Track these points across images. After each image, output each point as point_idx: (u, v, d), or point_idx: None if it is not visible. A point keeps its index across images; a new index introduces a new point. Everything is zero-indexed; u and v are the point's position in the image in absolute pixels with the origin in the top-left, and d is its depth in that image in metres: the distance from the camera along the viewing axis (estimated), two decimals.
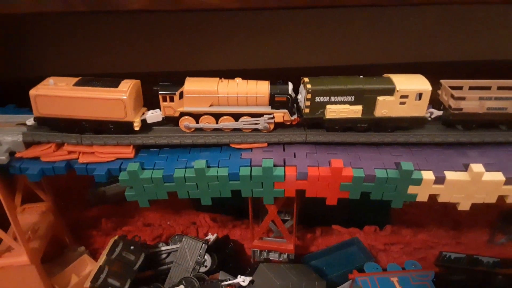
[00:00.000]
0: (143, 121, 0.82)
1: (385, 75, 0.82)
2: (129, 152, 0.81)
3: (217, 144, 0.84)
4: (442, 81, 0.86)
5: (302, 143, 0.83)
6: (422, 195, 0.78)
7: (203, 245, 0.95)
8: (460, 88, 0.84)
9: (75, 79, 0.81)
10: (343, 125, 0.81)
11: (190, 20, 1.31)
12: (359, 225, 1.15)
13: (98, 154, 0.80)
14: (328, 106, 0.79)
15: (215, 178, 0.78)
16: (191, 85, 0.80)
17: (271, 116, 0.80)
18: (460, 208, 0.80)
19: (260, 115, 0.80)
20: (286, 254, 0.97)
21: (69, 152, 0.80)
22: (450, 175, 0.76)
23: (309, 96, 0.78)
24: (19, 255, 0.90)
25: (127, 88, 0.78)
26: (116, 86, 0.79)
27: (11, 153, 0.79)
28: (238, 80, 0.81)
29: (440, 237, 1.14)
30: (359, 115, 0.80)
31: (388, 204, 0.80)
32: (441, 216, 1.19)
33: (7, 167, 0.80)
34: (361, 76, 0.81)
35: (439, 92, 0.87)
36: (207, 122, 0.81)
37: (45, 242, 0.99)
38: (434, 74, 0.87)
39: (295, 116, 0.82)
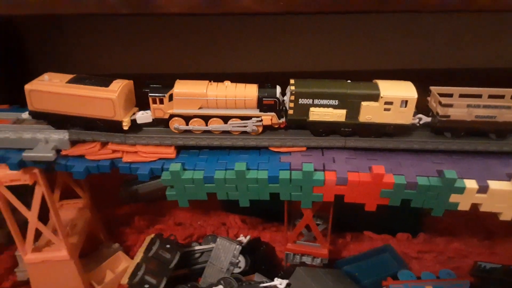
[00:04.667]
0: (133, 121, 0.83)
1: (374, 80, 0.82)
2: (170, 152, 0.83)
3: (256, 147, 0.84)
4: (431, 87, 0.85)
5: (341, 148, 0.83)
6: (464, 204, 0.77)
7: (237, 246, 0.96)
8: (451, 95, 0.83)
9: (70, 76, 0.83)
10: (327, 128, 0.81)
11: (204, 24, 1.34)
12: (391, 232, 1.14)
13: (141, 153, 0.82)
14: (312, 109, 0.80)
15: (255, 181, 0.79)
16: (181, 87, 0.81)
17: (259, 119, 0.81)
18: (502, 218, 0.79)
19: (249, 117, 0.81)
20: (320, 258, 0.97)
21: (113, 151, 0.82)
22: (493, 184, 0.75)
23: (292, 97, 0.79)
24: (59, 250, 0.93)
25: (117, 88, 0.79)
26: (107, 86, 0.80)
27: (57, 151, 0.81)
28: (227, 83, 0.82)
29: (474, 247, 1.12)
30: (342, 119, 0.80)
31: (420, 211, 0.79)
32: (475, 225, 1.17)
33: (52, 164, 0.82)
34: (349, 81, 0.81)
35: (429, 98, 0.86)
36: (196, 124, 0.82)
37: (83, 238, 1.02)
38: (435, 81, 0.88)
39: (283, 119, 0.83)
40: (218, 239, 0.98)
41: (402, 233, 1.12)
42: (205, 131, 0.83)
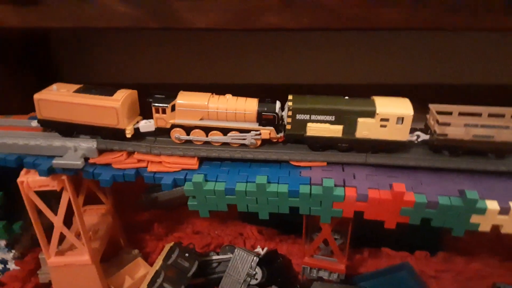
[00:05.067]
0: (136, 130, 0.85)
1: (372, 97, 0.82)
2: (193, 163, 0.85)
3: (277, 161, 0.86)
4: (430, 105, 0.85)
5: (362, 164, 0.83)
6: (485, 225, 0.77)
7: (255, 257, 0.97)
8: (450, 113, 0.83)
9: (77, 86, 0.86)
10: (324, 143, 0.83)
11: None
12: (409, 249, 1.13)
13: (165, 163, 0.84)
14: (309, 124, 0.81)
15: (275, 194, 0.80)
16: (183, 98, 0.83)
17: (258, 132, 0.83)
18: None
19: (248, 131, 0.83)
20: (337, 273, 0.97)
21: (139, 161, 0.85)
22: None
23: (290, 113, 0.81)
24: (81, 254, 0.96)
25: (120, 97, 0.82)
26: (111, 95, 0.83)
27: (85, 159, 0.84)
28: (228, 96, 0.84)
29: (493, 267, 1.11)
30: (339, 135, 0.81)
31: (439, 229, 0.79)
32: (495, 245, 1.16)
33: (78, 171, 0.85)
34: (346, 97, 0.82)
35: (428, 116, 0.86)
36: (197, 135, 0.84)
37: (104, 243, 1.04)
38: (440, 96, 0.88)
39: (281, 134, 0.85)
40: (236, 250, 1.00)
41: (421, 251, 1.11)
42: (224, 143, 0.85)
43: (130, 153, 0.86)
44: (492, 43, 1.31)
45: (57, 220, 0.90)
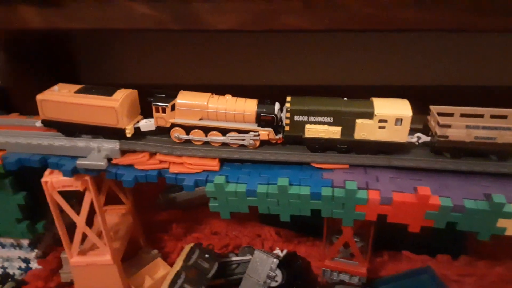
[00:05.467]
0: (137, 129, 0.86)
1: (371, 98, 0.82)
2: (215, 164, 0.85)
3: (298, 162, 0.85)
4: (431, 106, 0.85)
5: (385, 166, 0.82)
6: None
7: (275, 260, 0.97)
8: (451, 114, 0.82)
9: (78, 87, 0.87)
10: (322, 144, 0.82)
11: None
12: (430, 253, 1.11)
13: (187, 165, 0.84)
14: (307, 126, 0.81)
15: (297, 197, 0.80)
16: (183, 98, 0.84)
17: (257, 133, 0.83)
18: None
19: (247, 131, 0.83)
20: (357, 277, 0.96)
21: (161, 162, 0.85)
22: None
23: (288, 114, 0.81)
24: (103, 254, 0.97)
25: (120, 97, 0.83)
26: (111, 95, 0.83)
27: (109, 160, 0.85)
28: (228, 96, 0.85)
29: None
30: (338, 136, 0.81)
31: (461, 233, 0.78)
32: None
33: (101, 172, 0.86)
34: (345, 99, 0.82)
35: (428, 117, 0.85)
36: (196, 135, 0.85)
37: (125, 243, 1.05)
38: (442, 98, 0.87)
39: (280, 135, 0.85)
40: (255, 252, 0.99)
41: (443, 255, 1.09)
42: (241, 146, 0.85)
43: (152, 154, 0.86)
44: (494, 44, 1.29)
45: (80, 220, 0.91)
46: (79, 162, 0.82)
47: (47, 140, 0.85)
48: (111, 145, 0.85)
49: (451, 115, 0.82)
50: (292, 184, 0.80)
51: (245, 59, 1.44)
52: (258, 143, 0.85)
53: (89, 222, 0.97)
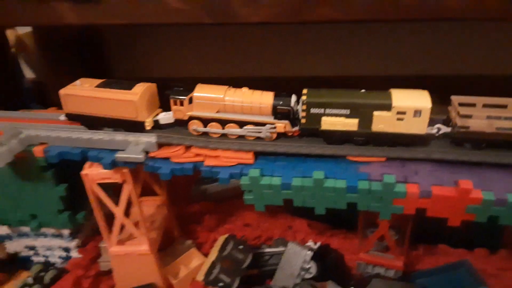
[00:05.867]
0: (156, 122, 0.88)
1: (390, 90, 0.80)
2: (249, 158, 0.85)
3: (333, 156, 0.85)
4: (452, 97, 0.82)
5: (423, 160, 0.80)
6: None
7: (308, 252, 0.97)
8: (473, 105, 0.79)
9: (100, 81, 0.89)
10: (339, 137, 0.82)
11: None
12: (467, 247, 1.09)
13: (222, 158, 0.85)
14: (324, 118, 0.80)
15: (333, 190, 0.79)
16: (201, 91, 0.84)
17: (273, 126, 0.83)
18: None
19: (263, 124, 0.83)
20: (393, 270, 0.95)
21: (196, 155, 0.86)
22: None
23: (304, 107, 0.81)
24: (141, 244, 0.99)
25: (139, 91, 0.84)
26: (130, 89, 0.85)
27: (146, 153, 0.87)
28: (244, 89, 0.84)
29: None
30: (355, 128, 0.80)
31: (499, 227, 0.76)
32: None
33: (137, 164, 0.87)
34: (363, 90, 0.80)
35: (449, 108, 0.83)
36: (214, 128, 0.85)
37: (161, 233, 1.08)
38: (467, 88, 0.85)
39: (296, 128, 0.84)
40: (289, 244, 1.00)
41: (481, 249, 1.07)
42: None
43: (187, 147, 0.87)
44: None
45: (119, 211, 0.94)
46: (118, 155, 0.84)
47: (87, 134, 0.88)
48: (148, 139, 0.86)
49: (473, 105, 0.80)
50: (328, 177, 0.80)
51: (263, 51, 1.44)
52: (275, 136, 0.85)
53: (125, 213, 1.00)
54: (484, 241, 1.10)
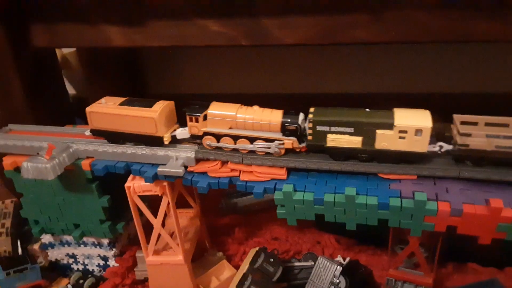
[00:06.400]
0: (173, 137, 0.93)
1: (393, 109, 0.83)
2: (282, 173, 0.89)
3: (364, 173, 0.87)
4: (455, 115, 0.84)
5: (454, 178, 0.82)
6: None
7: (338, 266, 0.99)
8: (475, 123, 0.81)
9: (122, 99, 0.95)
10: (344, 154, 0.85)
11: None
12: (498, 265, 1.08)
13: (256, 173, 0.89)
14: (329, 135, 0.84)
15: (364, 206, 0.82)
16: (214, 108, 0.89)
17: (282, 142, 0.87)
18: None
19: (272, 140, 0.87)
20: (423, 287, 0.96)
21: (232, 170, 0.91)
22: None
23: (310, 125, 0.85)
24: (176, 254, 1.04)
25: (158, 108, 0.90)
26: (150, 106, 0.91)
27: (185, 167, 0.92)
28: (255, 107, 0.89)
29: None
30: (359, 145, 0.84)
31: None
32: None
33: (176, 178, 0.92)
34: (367, 109, 0.84)
35: (452, 126, 0.85)
36: (226, 143, 0.89)
37: (194, 244, 1.12)
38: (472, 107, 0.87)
39: (303, 144, 0.88)
40: (319, 258, 1.02)
41: (511, 268, 1.06)
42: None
43: (224, 163, 0.92)
44: None
45: (157, 222, 0.99)
46: (160, 169, 0.89)
47: (131, 149, 0.93)
48: (187, 154, 0.91)
49: (475, 123, 0.83)
50: (359, 194, 0.83)
51: (278, 69, 1.49)
52: (283, 151, 0.90)
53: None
54: None
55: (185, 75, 1.60)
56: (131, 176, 0.95)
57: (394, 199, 0.80)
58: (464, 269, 1.09)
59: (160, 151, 0.92)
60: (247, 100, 0.94)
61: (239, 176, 0.91)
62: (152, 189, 0.94)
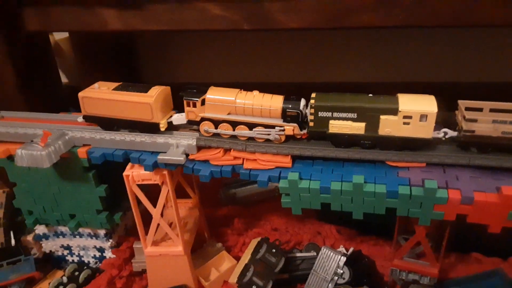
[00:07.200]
0: (169, 123, 0.90)
1: (397, 94, 0.81)
2: (287, 161, 0.86)
3: (372, 161, 0.85)
4: (459, 101, 0.83)
5: (464, 165, 0.81)
6: None
7: (342, 257, 0.97)
8: (480, 109, 0.80)
9: (116, 84, 0.92)
10: (346, 140, 0.83)
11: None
12: (501, 255, 1.08)
13: (260, 161, 0.86)
14: (331, 122, 0.82)
15: (372, 194, 0.80)
16: (213, 93, 0.86)
17: (282, 128, 0.84)
18: None
19: (272, 127, 0.84)
20: (428, 277, 0.95)
21: (235, 158, 0.88)
22: None
23: (312, 111, 0.82)
24: (175, 245, 1.01)
25: (154, 93, 0.87)
26: (146, 91, 0.87)
27: (186, 155, 0.88)
28: (255, 92, 0.86)
29: None
30: (362, 132, 0.81)
31: None
32: None
33: (177, 166, 0.89)
34: (370, 95, 0.82)
35: (456, 112, 0.83)
36: (224, 129, 0.87)
37: (193, 235, 1.09)
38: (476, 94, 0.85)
39: (305, 131, 0.86)
40: (322, 249, 1.00)
41: None
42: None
43: (226, 150, 0.89)
44: None
45: (156, 212, 0.96)
46: (160, 157, 0.86)
47: (129, 136, 0.90)
48: (188, 142, 0.88)
49: (480, 110, 0.81)
50: (367, 182, 0.81)
51: (278, 57, 1.46)
52: (283, 138, 0.87)
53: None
54: None
55: (182, 63, 1.56)
56: (129, 165, 0.92)
57: (403, 187, 0.78)
58: (468, 259, 1.08)
59: (160, 139, 0.89)
60: (245, 89, 0.90)
61: (242, 164, 0.88)
62: (152, 178, 0.90)
